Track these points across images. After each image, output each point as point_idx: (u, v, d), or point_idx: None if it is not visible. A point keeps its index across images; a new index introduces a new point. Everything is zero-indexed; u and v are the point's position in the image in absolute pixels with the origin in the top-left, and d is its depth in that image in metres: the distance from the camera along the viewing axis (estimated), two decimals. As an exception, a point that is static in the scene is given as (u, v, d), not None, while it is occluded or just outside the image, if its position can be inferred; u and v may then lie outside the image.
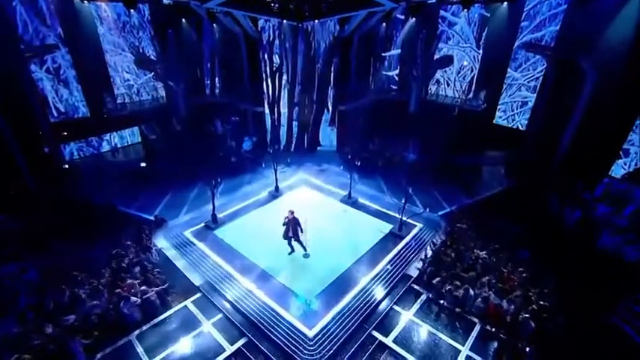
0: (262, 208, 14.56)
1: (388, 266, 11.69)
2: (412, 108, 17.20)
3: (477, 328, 9.86)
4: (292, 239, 11.13)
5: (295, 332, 9.70)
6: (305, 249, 11.18)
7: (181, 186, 15.50)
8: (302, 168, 17.77)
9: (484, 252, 11.54)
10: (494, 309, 9.83)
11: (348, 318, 10.04)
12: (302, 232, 10.98)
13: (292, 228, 10.72)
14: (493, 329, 9.75)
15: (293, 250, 11.24)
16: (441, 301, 10.61)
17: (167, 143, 15.90)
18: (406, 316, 10.32)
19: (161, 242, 12.89)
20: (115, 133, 18.47)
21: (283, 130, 19.52)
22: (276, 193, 15.48)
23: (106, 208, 13.24)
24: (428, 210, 13.64)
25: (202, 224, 13.62)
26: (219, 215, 13.87)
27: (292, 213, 10.63)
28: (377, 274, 11.42)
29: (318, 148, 20.20)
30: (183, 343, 9.55)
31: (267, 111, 19.31)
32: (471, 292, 10.29)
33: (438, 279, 11.10)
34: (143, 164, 15.65)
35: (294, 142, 19.99)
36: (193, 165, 14.75)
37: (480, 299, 10.12)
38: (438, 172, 15.91)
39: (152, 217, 13.47)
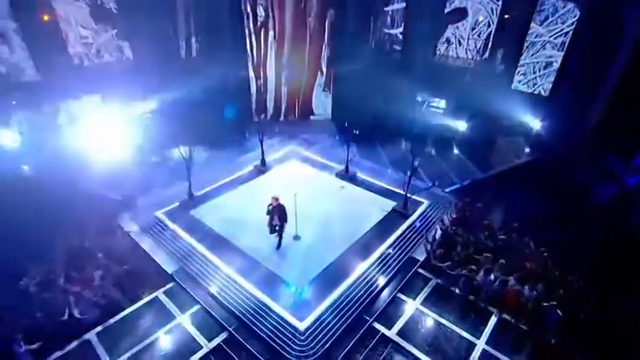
0: (247, 185, 14.18)
1: (391, 249, 11.36)
2: (418, 71, 16.49)
3: (494, 318, 9.54)
4: (278, 227, 10.65)
5: (284, 325, 9.30)
6: (279, 244, 10.80)
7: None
8: (292, 139, 17.41)
9: (501, 232, 11.05)
10: (514, 296, 9.41)
11: (345, 308, 9.67)
12: (286, 222, 10.58)
13: (278, 216, 10.22)
14: (513, 319, 9.35)
15: (279, 244, 10.82)
16: (453, 288, 10.20)
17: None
18: (412, 305, 10.03)
19: (128, 224, 12.38)
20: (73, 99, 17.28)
21: (270, 97, 18.67)
22: (262, 168, 15.17)
23: (65, 186, 12.41)
24: (436, 184, 13.05)
25: (177, 203, 13.13)
26: (197, 193, 13.44)
27: (277, 200, 10.08)
28: (378, 258, 11.06)
29: (311, 116, 19.84)
30: (153, 341, 9.15)
31: (251, 74, 18.41)
32: (489, 276, 9.83)
33: (448, 263, 10.66)
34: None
35: (283, 110, 19.49)
36: (167, 137, 14.12)
37: (497, 285, 9.66)
38: (448, 143, 15.53)
39: (119, 197, 12.94)
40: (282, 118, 19.55)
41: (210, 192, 13.71)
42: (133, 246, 11.54)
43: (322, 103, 19.93)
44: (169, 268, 10.91)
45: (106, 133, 14.46)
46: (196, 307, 9.88)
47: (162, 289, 10.32)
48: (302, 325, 9.24)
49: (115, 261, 10.53)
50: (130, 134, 14.86)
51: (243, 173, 14.86)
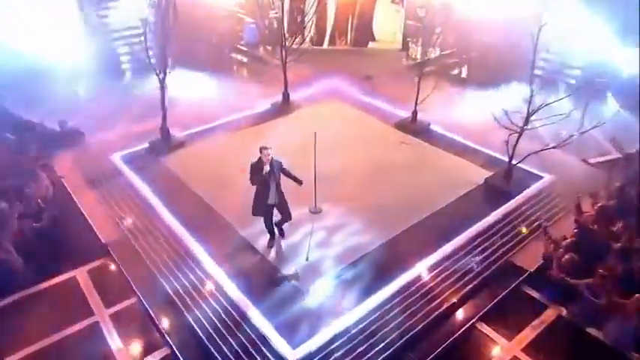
0: (254, 129, 12.42)
1: (475, 246, 8.53)
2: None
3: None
4: (279, 221, 8.35)
5: (263, 350, 6.72)
6: (281, 232, 8.59)
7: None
8: (337, 73, 15.33)
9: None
10: None
11: (377, 335, 6.93)
12: (299, 183, 8.14)
13: (276, 184, 7.79)
14: None
15: (278, 234, 8.63)
16: (593, 329, 6.85)
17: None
18: (506, 350, 6.94)
19: (65, 167, 10.85)
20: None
21: (310, 13, 16.35)
22: (284, 107, 13.42)
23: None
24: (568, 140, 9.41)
25: (145, 145, 11.61)
26: (178, 134, 11.89)
27: (268, 153, 7.62)
28: (451, 258, 8.29)
29: (370, 43, 18.10)
30: (48, 343, 7.13)
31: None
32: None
33: (587, 281, 7.27)
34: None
35: (328, 33, 17.92)
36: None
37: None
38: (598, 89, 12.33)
39: (58, 127, 11.64)
40: (326, 45, 17.98)
41: (198, 134, 12.18)
42: (65, 198, 9.92)
43: (389, 24, 17.96)
44: (106, 236, 8.91)
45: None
46: (130, 301, 7.77)
47: (87, 267, 8.39)
48: (293, 356, 6.53)
49: (29, 217, 8.79)
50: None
51: (252, 112, 13.33)
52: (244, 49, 17.42)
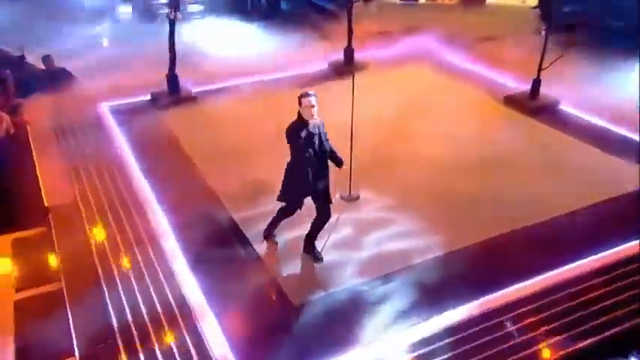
0: (295, 91, 10.85)
1: (603, 278, 6.27)
2: None
3: None
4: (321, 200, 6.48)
5: None
6: (313, 250, 6.70)
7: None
8: (434, 32, 14.09)
9: None
10: None
11: None
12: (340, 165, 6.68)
13: (322, 158, 6.30)
14: None
15: (309, 253, 6.71)
16: None
17: None
18: None
19: (39, 112, 10.27)
20: None
21: None
22: (345, 67, 12.24)
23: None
24: None
25: (147, 97, 11.04)
26: (191, 88, 11.24)
27: (311, 103, 6.05)
28: (557, 290, 6.03)
29: None
30: None
31: None
32: None
33: None
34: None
35: None
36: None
37: None
38: None
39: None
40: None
41: (218, 91, 11.29)
42: (22, 148, 9.25)
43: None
44: (52, 199, 7.90)
45: None
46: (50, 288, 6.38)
47: (14, 236, 7.34)
48: None
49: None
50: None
51: (301, 72, 12.33)
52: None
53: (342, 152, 6.52)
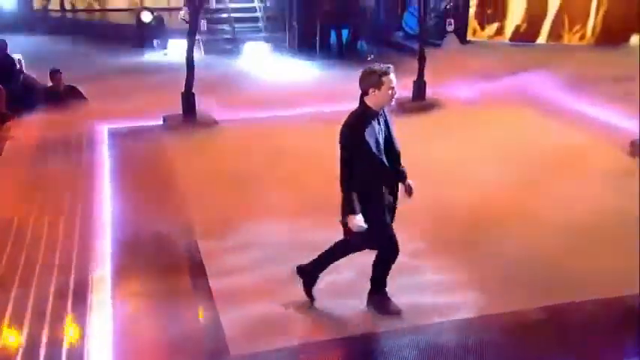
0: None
1: None
2: None
3: None
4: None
5: None
6: (385, 302, 5.90)
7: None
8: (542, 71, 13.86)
9: None
10: None
11: None
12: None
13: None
14: None
15: (378, 308, 5.90)
16: None
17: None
18: None
19: (30, 130, 10.78)
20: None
21: None
22: (414, 103, 12.30)
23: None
24: None
25: (159, 121, 11.49)
26: (219, 116, 11.54)
27: (391, 81, 5.23)
28: None
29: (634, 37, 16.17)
30: None
31: None
32: None
33: None
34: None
35: (549, 21, 16.71)
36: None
37: None
38: None
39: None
40: (542, 39, 16.47)
41: (250, 119, 11.48)
42: None
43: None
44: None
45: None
46: None
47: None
48: None
49: None
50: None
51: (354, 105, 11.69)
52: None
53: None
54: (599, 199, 7.86)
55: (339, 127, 5.05)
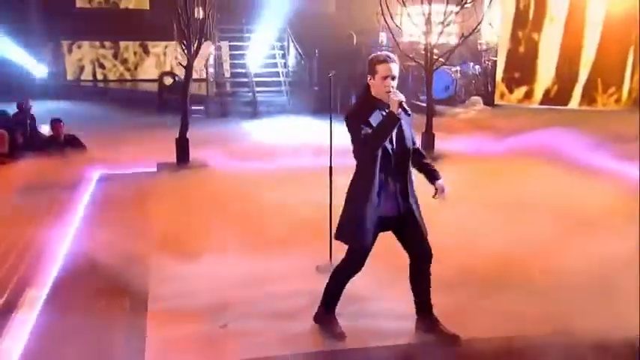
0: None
1: None
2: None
3: None
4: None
5: None
6: (429, 314, 5.59)
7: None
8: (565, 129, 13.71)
9: None
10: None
11: None
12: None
13: (402, 165, 5.23)
14: None
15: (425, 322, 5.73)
16: None
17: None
18: None
19: (15, 174, 10.85)
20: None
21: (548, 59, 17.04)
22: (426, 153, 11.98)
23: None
24: None
25: (153, 169, 11.53)
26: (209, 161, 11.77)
27: (391, 70, 4.91)
28: None
29: None
30: None
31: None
32: None
33: None
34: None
35: (580, 84, 16.49)
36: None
37: None
38: None
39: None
40: (575, 103, 16.22)
41: (247, 168, 11.34)
42: None
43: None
44: None
45: None
46: None
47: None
48: None
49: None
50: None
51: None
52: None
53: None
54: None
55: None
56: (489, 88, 17.11)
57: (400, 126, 4.57)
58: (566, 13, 15.57)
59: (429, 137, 12.15)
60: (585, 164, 11.62)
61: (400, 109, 4.48)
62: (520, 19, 16.49)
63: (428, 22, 12.33)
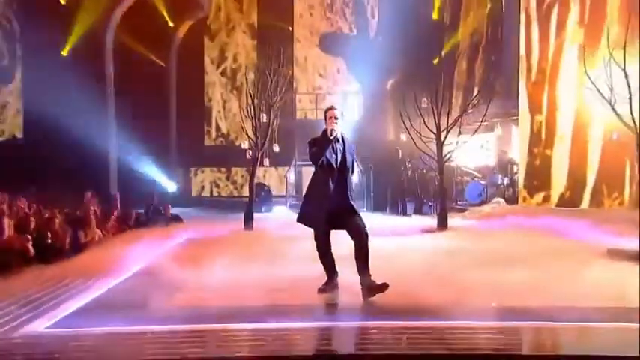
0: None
1: None
2: None
3: None
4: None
5: None
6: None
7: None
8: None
9: None
10: None
11: None
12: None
13: (342, 178, 6.64)
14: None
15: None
16: None
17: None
18: None
19: None
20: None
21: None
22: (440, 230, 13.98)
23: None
24: None
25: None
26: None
27: (334, 115, 6.61)
28: None
29: None
30: None
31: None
32: None
33: None
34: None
35: (589, 186, 16.87)
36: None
37: None
38: None
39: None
40: (585, 204, 16.74)
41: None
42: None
43: None
44: None
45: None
46: None
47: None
48: None
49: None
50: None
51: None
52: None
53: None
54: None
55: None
56: (513, 195, 18.26)
57: (343, 149, 6.47)
58: (571, 132, 16.84)
59: (442, 216, 14.03)
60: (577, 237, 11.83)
61: (334, 134, 6.36)
62: (535, 139, 17.84)
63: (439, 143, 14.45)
